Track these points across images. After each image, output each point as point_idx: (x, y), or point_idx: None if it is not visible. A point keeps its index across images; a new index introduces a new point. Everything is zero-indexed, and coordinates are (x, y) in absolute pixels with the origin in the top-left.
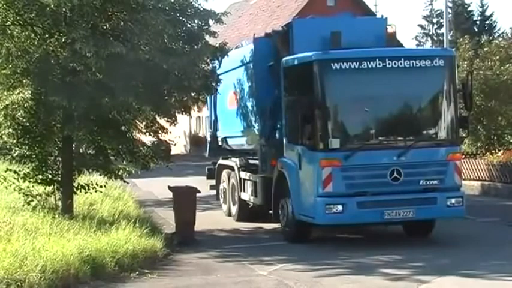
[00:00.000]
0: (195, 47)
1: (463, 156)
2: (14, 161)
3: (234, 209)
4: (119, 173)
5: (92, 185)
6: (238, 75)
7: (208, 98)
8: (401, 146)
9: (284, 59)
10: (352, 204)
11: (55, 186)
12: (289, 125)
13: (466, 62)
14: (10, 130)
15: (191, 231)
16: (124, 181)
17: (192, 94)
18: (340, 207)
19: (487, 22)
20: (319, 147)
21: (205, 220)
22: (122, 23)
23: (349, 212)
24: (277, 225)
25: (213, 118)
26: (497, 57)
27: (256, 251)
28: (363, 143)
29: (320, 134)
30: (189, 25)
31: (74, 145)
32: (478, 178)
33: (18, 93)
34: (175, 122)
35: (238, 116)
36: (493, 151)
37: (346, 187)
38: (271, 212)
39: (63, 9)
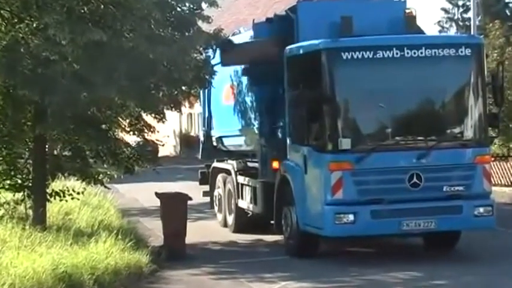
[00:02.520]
0: (186, 34)
1: (493, 159)
2: None
3: (231, 219)
4: (99, 178)
5: (68, 191)
6: (235, 66)
7: (201, 92)
8: (422, 147)
9: (287, 47)
10: (366, 213)
11: (25, 193)
12: (294, 123)
13: (496, 51)
14: None
15: (181, 244)
16: (105, 187)
17: (183, 88)
18: (351, 217)
19: None
20: (327, 148)
21: (198, 231)
22: (102, 6)
23: (361, 222)
24: (279, 238)
25: (206, 115)
26: None
27: (255, 266)
28: (378, 143)
29: (329, 134)
30: (179, 9)
31: (47, 146)
32: (509, 183)
33: None
34: (164, 120)
35: (235, 112)
36: None
37: (359, 194)
38: (272, 222)
39: None
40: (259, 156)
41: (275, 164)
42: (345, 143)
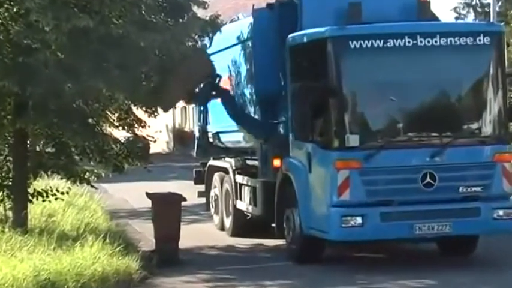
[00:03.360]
0: (180, 20)
1: None
2: None
3: (228, 222)
4: (85, 177)
5: (51, 191)
6: (233, 55)
7: None
8: (436, 144)
9: (290, 35)
10: (375, 215)
11: (4, 193)
12: (297, 117)
13: None
14: None
15: (175, 249)
16: (92, 186)
17: None
18: (359, 220)
19: None
20: (333, 145)
21: (193, 235)
22: None
23: (370, 225)
24: (281, 242)
25: (202, 108)
26: None
27: (254, 273)
28: (388, 140)
29: (335, 129)
30: None
31: (28, 141)
32: None
33: None
34: (156, 114)
35: None
36: None
37: (367, 195)
38: (273, 225)
39: None
40: (259, 153)
41: (276, 162)
42: (353, 140)
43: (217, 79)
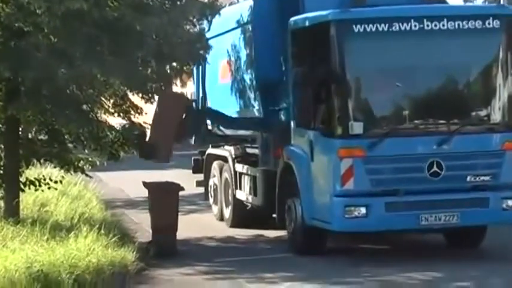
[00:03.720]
0: (178, 3)
1: None
2: None
3: (228, 212)
4: (79, 165)
5: (44, 180)
6: (233, 39)
7: (194, 68)
8: (443, 131)
9: (292, 19)
10: (379, 205)
11: None
12: (299, 104)
13: None
14: None
15: (172, 240)
16: (86, 175)
17: (174, 64)
18: (363, 210)
19: None
20: (336, 132)
21: (191, 225)
22: None
23: (375, 215)
24: (282, 233)
25: (200, 95)
26: None
27: (255, 265)
28: (394, 127)
29: (338, 116)
30: None
31: (20, 129)
32: None
33: None
34: (152, 100)
35: (233, 92)
36: None
37: (372, 184)
38: (274, 215)
39: None
40: (259, 141)
41: (278, 151)
42: (357, 127)
43: (193, 103)
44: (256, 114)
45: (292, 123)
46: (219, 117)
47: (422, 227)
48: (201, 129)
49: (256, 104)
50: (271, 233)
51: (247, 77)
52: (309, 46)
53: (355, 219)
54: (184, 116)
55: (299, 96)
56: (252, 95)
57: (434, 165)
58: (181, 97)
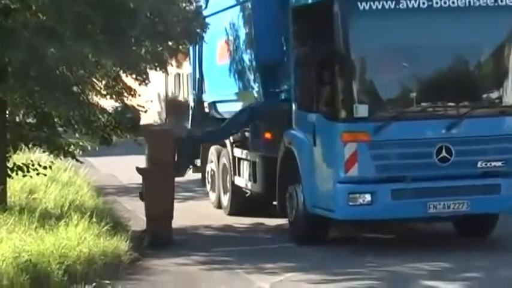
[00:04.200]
0: None
1: None
2: None
3: (226, 199)
4: (70, 150)
5: (33, 165)
6: (231, 17)
7: (191, 48)
8: (453, 114)
9: None
10: (385, 192)
11: None
12: (301, 85)
13: None
14: None
15: (167, 229)
16: (77, 160)
17: (169, 43)
18: (368, 197)
19: None
20: (340, 115)
21: (187, 213)
22: None
23: (380, 203)
24: (283, 221)
25: (197, 76)
26: None
27: (254, 255)
28: (400, 110)
29: (342, 98)
30: None
31: (7, 112)
32: None
33: None
34: (147, 81)
35: (231, 73)
36: None
37: (377, 170)
38: (275, 203)
39: None
40: (250, 126)
41: (268, 135)
42: (361, 110)
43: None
44: (256, 96)
45: (293, 106)
46: (209, 137)
47: (430, 215)
48: (194, 161)
49: (255, 86)
50: (271, 222)
51: (246, 58)
52: (312, 24)
53: (359, 207)
54: (176, 149)
55: (301, 78)
56: (251, 77)
57: (443, 150)
58: (169, 133)
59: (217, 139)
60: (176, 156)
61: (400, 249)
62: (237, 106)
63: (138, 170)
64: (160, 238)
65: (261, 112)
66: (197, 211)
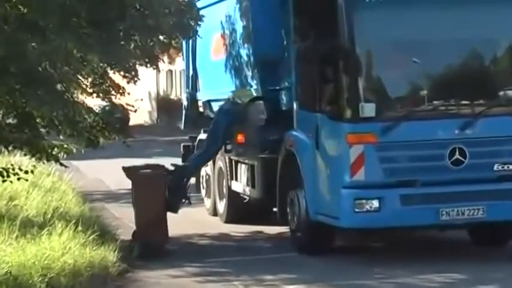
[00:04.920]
0: None
1: None
2: None
3: (222, 206)
4: (53, 153)
5: (13, 169)
6: (227, 10)
7: (184, 43)
8: (467, 113)
9: None
10: (394, 198)
11: None
12: (302, 83)
13: None
14: None
15: (159, 238)
16: (61, 164)
17: (161, 37)
18: (375, 203)
19: None
20: (345, 115)
21: (180, 221)
22: None
23: (388, 210)
24: (284, 229)
25: (191, 73)
26: None
27: (253, 266)
28: (410, 109)
29: (347, 97)
30: None
31: None
32: None
33: None
34: (136, 79)
35: (227, 70)
36: None
37: (385, 174)
38: (275, 209)
39: None
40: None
41: (240, 137)
42: (368, 109)
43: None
44: (254, 94)
45: (294, 105)
46: (197, 163)
47: (443, 223)
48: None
49: (253, 83)
50: (271, 230)
51: (243, 53)
52: (314, 17)
53: (366, 214)
54: (167, 190)
55: (302, 74)
56: (249, 73)
57: (457, 153)
58: (156, 176)
59: (205, 162)
60: (167, 194)
61: (410, 259)
62: None
63: (125, 170)
64: (151, 248)
65: (237, 113)
66: (191, 218)
